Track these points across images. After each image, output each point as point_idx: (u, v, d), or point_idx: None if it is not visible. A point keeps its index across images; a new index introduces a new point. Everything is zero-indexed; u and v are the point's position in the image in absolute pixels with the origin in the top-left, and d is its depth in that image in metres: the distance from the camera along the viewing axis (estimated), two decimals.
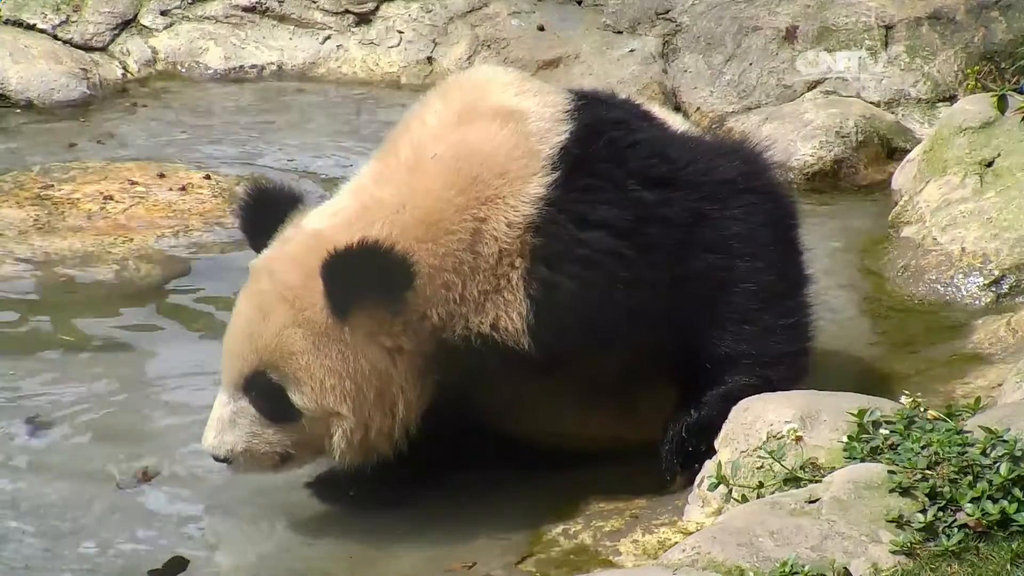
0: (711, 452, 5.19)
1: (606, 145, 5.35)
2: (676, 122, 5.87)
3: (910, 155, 7.68)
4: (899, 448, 4.81)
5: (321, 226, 5.29)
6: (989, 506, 4.51)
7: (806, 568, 4.36)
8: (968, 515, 4.51)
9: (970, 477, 4.61)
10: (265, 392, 5.27)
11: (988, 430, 4.74)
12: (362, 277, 5.09)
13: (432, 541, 5.36)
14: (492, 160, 5.26)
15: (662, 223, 5.31)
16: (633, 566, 5.02)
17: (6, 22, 9.73)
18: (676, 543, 4.74)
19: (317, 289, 5.17)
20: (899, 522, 4.54)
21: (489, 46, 9.52)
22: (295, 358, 5.21)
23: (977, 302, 6.75)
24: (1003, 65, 8.57)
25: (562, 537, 5.30)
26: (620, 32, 9.41)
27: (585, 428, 5.71)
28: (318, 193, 6.66)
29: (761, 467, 4.99)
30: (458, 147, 5.28)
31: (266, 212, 5.51)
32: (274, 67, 9.77)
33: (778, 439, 5.00)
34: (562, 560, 5.18)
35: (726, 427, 5.17)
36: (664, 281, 5.30)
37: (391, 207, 5.23)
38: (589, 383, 5.61)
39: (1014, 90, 7.48)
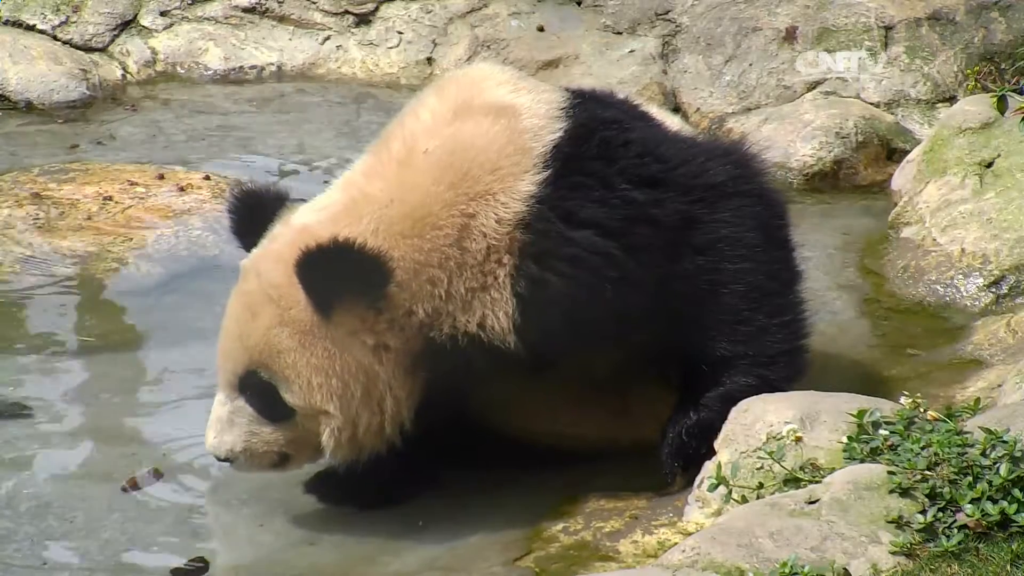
0: (711, 453, 5.19)
1: (599, 144, 5.35)
2: (672, 123, 5.88)
3: (910, 156, 7.68)
4: (899, 449, 4.82)
5: (308, 221, 5.31)
6: (989, 507, 4.51)
7: (806, 569, 4.36)
8: (968, 516, 4.51)
9: (970, 478, 4.61)
10: (259, 391, 5.29)
11: (988, 431, 4.74)
12: (336, 275, 5.10)
13: (432, 539, 5.36)
14: (483, 156, 5.26)
15: (651, 224, 5.32)
16: (632, 566, 5.03)
17: (6, 22, 9.72)
18: (676, 544, 4.74)
19: (300, 287, 5.18)
20: (899, 523, 4.54)
21: (489, 47, 9.51)
22: (283, 357, 5.22)
23: (977, 303, 6.75)
24: (1003, 65, 8.57)
25: (562, 534, 5.30)
26: (620, 33, 9.41)
27: (578, 428, 5.71)
28: (316, 193, 6.65)
29: (761, 468, 4.99)
30: (450, 142, 5.29)
31: (254, 212, 5.53)
32: (274, 68, 9.76)
33: (778, 440, 5.01)
34: (562, 556, 5.18)
35: (726, 428, 5.17)
36: (653, 282, 5.31)
37: (379, 202, 5.24)
38: (580, 383, 5.61)
39: (1014, 90, 7.47)
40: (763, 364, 5.42)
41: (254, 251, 5.43)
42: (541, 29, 9.55)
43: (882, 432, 4.93)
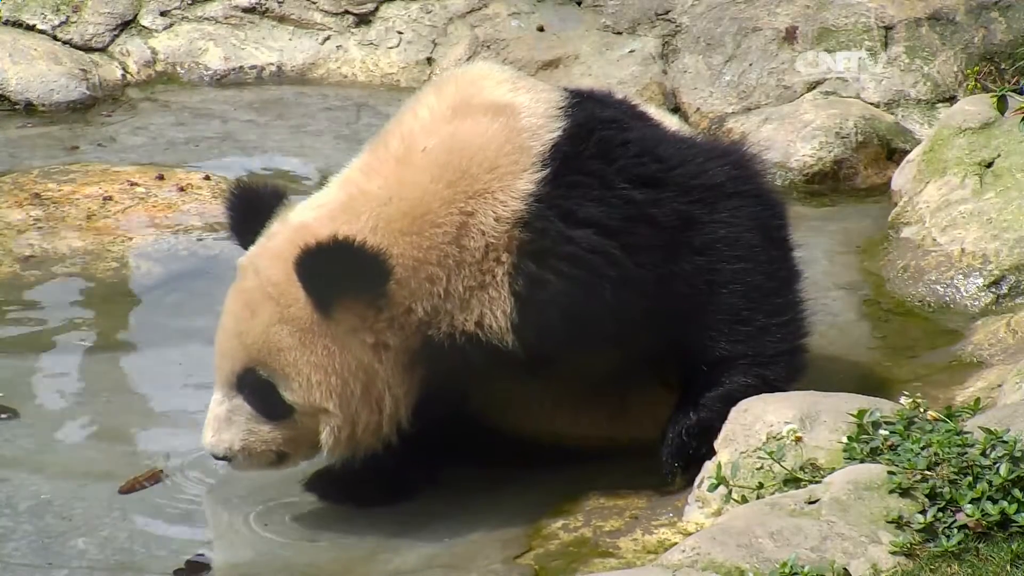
0: (711, 453, 5.19)
1: (597, 143, 5.35)
2: (671, 123, 5.88)
3: (910, 156, 7.68)
4: (899, 449, 4.82)
5: (306, 218, 5.31)
6: (989, 507, 4.51)
7: (806, 569, 4.36)
8: (968, 516, 4.51)
9: (970, 478, 4.61)
10: (257, 389, 5.30)
11: (988, 431, 4.74)
12: (336, 272, 5.10)
13: (432, 537, 5.36)
14: (482, 154, 5.26)
15: (650, 223, 5.32)
16: (632, 564, 5.02)
17: (6, 22, 9.71)
18: (676, 543, 4.74)
19: (299, 285, 5.18)
20: (899, 523, 4.54)
21: (489, 47, 9.51)
22: (282, 354, 5.22)
23: (977, 303, 6.75)
24: (1003, 65, 8.57)
25: (562, 531, 5.30)
26: (620, 33, 9.41)
27: (576, 428, 5.71)
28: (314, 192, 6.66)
29: (761, 468, 4.99)
30: (448, 141, 5.29)
31: (252, 210, 5.53)
32: (273, 68, 9.76)
33: (778, 440, 5.01)
34: (561, 553, 5.18)
35: (726, 428, 5.17)
36: (652, 282, 5.30)
37: (378, 199, 5.24)
38: (579, 383, 5.61)
39: (1014, 90, 7.47)
40: (762, 364, 5.42)
41: (252, 248, 5.43)
42: (541, 29, 9.55)
43: (882, 432, 4.93)
